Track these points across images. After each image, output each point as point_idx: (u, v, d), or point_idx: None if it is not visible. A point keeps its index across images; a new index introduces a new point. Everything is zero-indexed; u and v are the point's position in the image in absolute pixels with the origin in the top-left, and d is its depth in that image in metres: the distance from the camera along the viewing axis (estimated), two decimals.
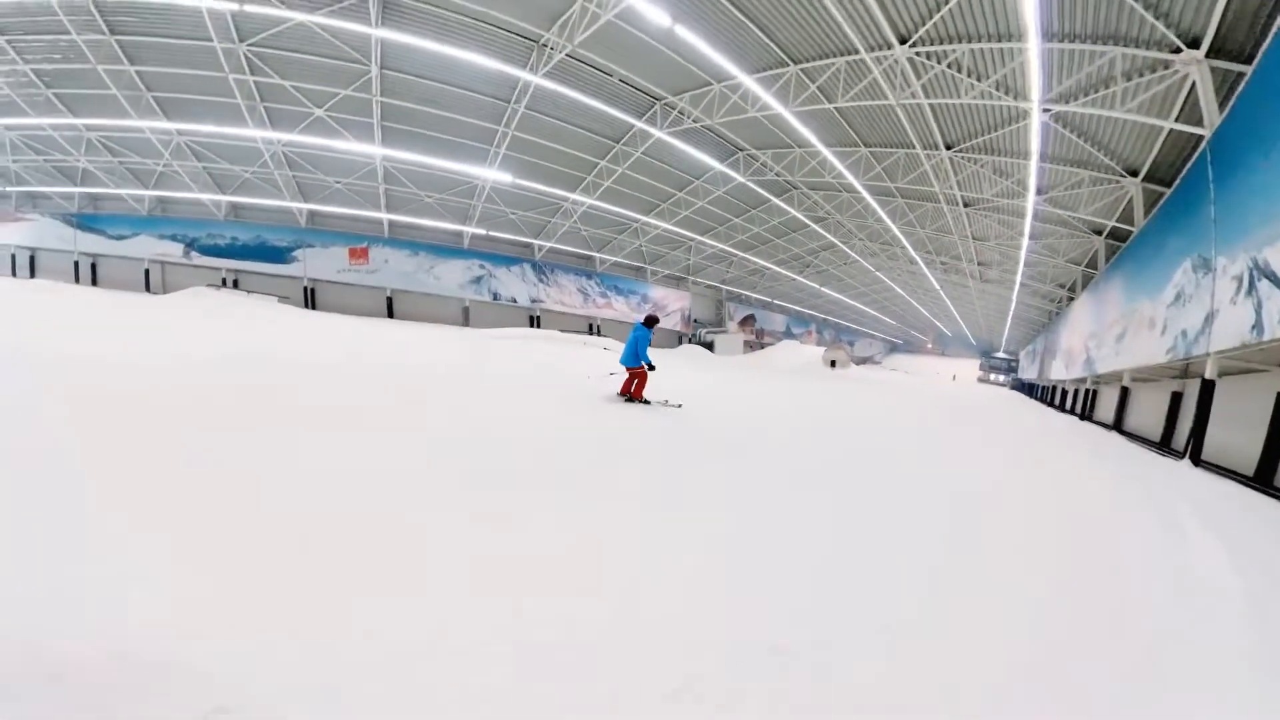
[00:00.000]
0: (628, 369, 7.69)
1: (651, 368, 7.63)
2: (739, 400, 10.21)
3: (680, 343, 35.56)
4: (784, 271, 34.57)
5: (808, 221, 25.79)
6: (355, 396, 5.92)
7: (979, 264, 25.71)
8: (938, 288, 33.12)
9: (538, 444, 4.56)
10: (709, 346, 35.10)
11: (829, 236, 27.51)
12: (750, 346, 42.01)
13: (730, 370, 20.71)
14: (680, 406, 7.72)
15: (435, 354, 11.91)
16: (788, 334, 47.61)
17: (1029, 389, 35.97)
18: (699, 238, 28.29)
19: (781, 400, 11.32)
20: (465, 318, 27.16)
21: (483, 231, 25.56)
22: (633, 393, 7.65)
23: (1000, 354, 63.70)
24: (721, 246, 29.46)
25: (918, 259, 26.58)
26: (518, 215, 25.35)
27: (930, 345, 74.23)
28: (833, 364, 34.61)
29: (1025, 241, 18.04)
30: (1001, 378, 61.35)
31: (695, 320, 37.26)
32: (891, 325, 61.37)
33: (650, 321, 7.96)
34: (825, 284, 38.69)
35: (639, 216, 25.54)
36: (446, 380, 8.16)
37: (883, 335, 70.64)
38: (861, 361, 64.23)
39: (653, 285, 33.31)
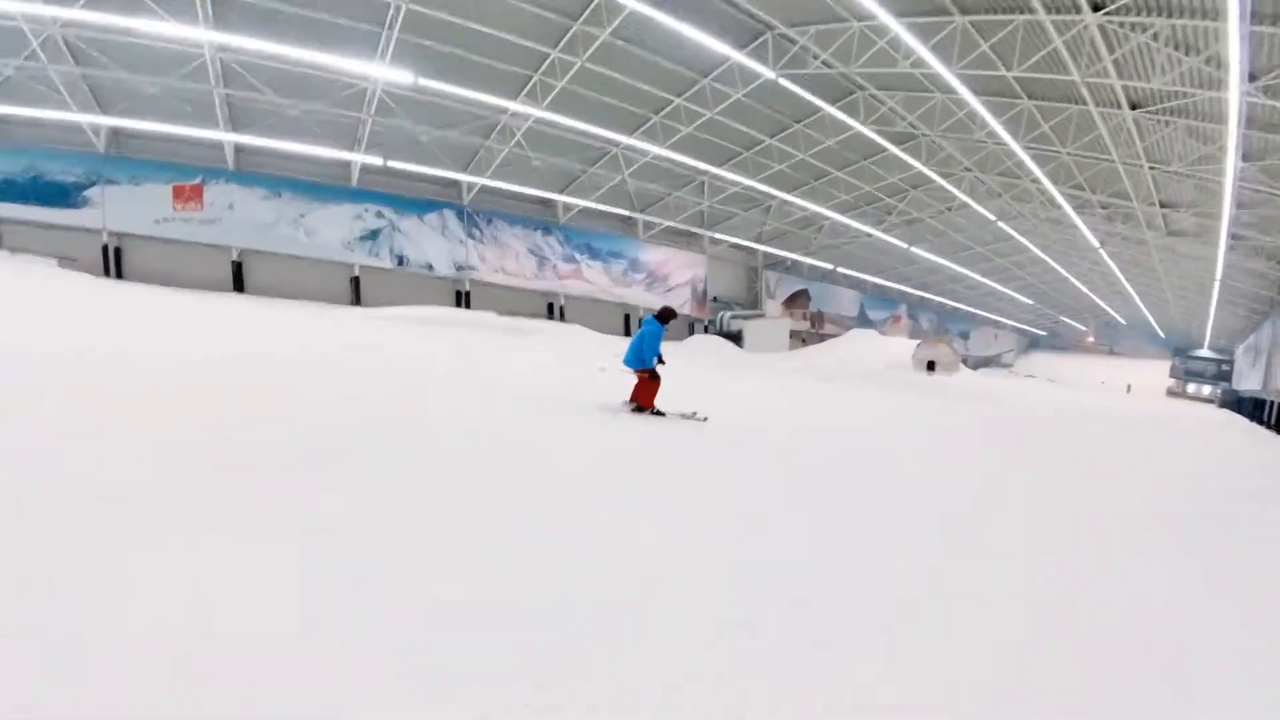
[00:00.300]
0: (634, 371, 9.04)
1: (654, 375, 8.98)
2: (780, 428, 9.91)
3: (692, 332, 34.52)
4: (850, 221, 33.27)
5: (882, 141, 24.52)
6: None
7: (1160, 205, 24.32)
8: (1094, 243, 31.29)
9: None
10: (735, 338, 34.13)
11: (917, 165, 26.19)
12: (803, 339, 40.96)
13: (767, 376, 19.92)
14: (706, 420, 8.97)
15: (306, 340, 12.49)
16: (861, 319, 46.50)
17: (1256, 407, 33.22)
18: (714, 169, 27.13)
19: (851, 435, 10.49)
20: (355, 293, 26.25)
21: (379, 161, 24.69)
22: (640, 401, 8.96)
23: (1203, 352, 61.37)
24: (750, 182, 28.30)
25: (1057, 195, 25.13)
26: (432, 136, 24.52)
27: (1091, 339, 71.89)
28: (930, 366, 33.57)
29: (1232, 160, 16.81)
30: (1206, 388, 59.17)
31: (714, 299, 36.28)
32: (1028, 308, 60.02)
33: (665, 315, 9.12)
34: (916, 241, 37.31)
35: (618, 137, 24.57)
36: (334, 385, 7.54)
37: (1014, 323, 69.24)
38: (983, 364, 62.66)
39: (646, 244, 32.33)
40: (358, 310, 24.13)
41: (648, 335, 8.87)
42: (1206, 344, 58.90)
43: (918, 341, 38.60)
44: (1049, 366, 66.34)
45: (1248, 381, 37.51)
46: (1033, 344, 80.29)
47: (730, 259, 36.28)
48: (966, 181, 27.93)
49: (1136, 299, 45.95)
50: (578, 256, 30.39)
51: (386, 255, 26.57)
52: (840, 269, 42.32)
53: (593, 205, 29.51)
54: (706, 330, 35.55)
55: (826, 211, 32.04)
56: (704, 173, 28.04)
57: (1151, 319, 55.95)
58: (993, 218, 31.63)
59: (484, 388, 10.39)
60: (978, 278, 45.62)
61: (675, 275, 33.49)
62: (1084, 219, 27.64)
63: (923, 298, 51.36)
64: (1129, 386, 58.70)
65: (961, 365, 41.54)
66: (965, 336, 64.66)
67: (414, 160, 25.29)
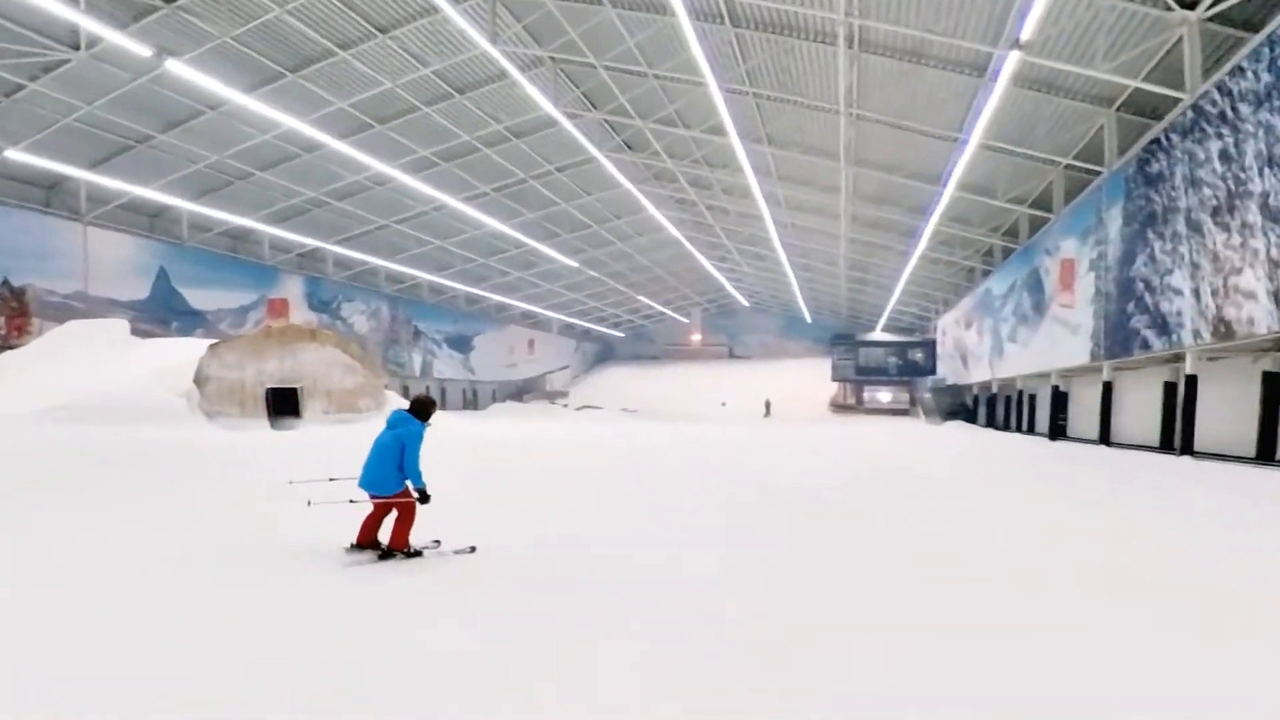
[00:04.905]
0: (376, 498, 6.01)
1: (425, 497, 5.87)
2: None
3: None
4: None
5: None
6: None
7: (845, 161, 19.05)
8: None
9: None
10: None
11: None
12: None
13: None
14: (474, 550, 5.97)
15: None
16: (162, 303, 25.12)
17: (991, 409, 24.48)
18: None
19: None
20: None
21: None
22: (394, 539, 5.97)
23: (877, 336, 40.42)
24: None
25: None
26: None
27: (698, 336, 51.79)
28: (278, 403, 19.16)
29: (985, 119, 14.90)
30: (886, 395, 41.97)
31: None
32: (588, 286, 40.19)
33: (425, 407, 6.23)
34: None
35: None
36: None
37: (569, 318, 46.31)
38: (513, 394, 42.98)
39: None
40: None
41: (409, 439, 5.84)
42: (883, 323, 39.69)
43: (210, 343, 18.93)
44: (633, 386, 46.10)
45: (975, 372, 24.99)
46: (605, 354, 55.79)
47: None
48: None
49: (770, 255, 29.86)
50: None
51: None
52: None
53: None
54: None
55: None
56: None
57: (798, 291, 36.63)
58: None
59: None
60: (416, 184, 24.11)
61: None
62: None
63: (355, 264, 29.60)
64: (768, 406, 41.17)
65: (387, 390, 22.98)
66: (463, 348, 41.65)
67: None
